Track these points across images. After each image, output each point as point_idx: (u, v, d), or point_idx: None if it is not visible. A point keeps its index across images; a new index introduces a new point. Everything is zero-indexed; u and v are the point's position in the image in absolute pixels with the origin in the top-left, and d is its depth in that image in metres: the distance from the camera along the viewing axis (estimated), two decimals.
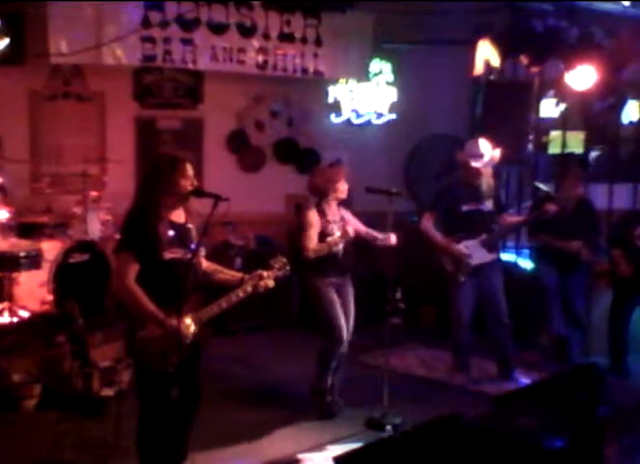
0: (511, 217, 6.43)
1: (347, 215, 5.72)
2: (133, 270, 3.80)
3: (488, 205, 6.10)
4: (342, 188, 5.57)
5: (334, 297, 5.50)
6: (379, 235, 5.59)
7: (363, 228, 5.73)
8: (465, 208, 6.03)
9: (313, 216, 5.51)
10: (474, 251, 6.02)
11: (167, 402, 3.80)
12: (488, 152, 6.05)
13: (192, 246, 3.93)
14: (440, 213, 6.14)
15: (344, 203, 5.74)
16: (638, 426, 5.11)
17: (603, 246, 6.87)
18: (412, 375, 6.54)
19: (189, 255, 3.88)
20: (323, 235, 5.45)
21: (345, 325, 5.53)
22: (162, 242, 3.83)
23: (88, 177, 6.81)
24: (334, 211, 5.61)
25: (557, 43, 7.12)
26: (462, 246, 6.01)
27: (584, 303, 6.99)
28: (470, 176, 6.07)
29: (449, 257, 6.06)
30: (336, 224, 5.55)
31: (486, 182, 6.08)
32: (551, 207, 6.09)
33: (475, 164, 6.00)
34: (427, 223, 6.13)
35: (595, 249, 6.86)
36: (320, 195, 5.58)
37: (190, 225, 4.02)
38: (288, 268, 4.24)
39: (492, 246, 6.14)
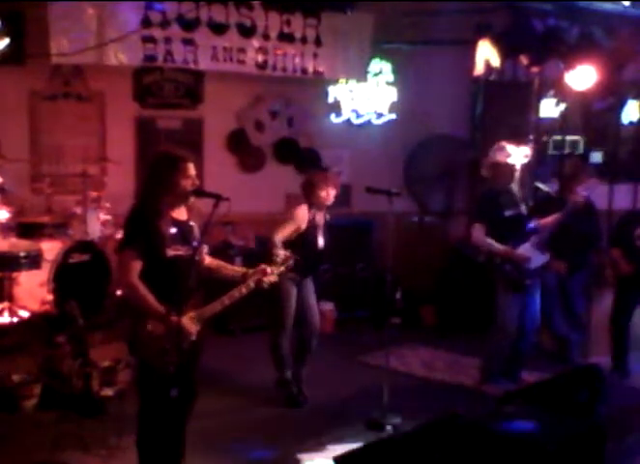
0: (544, 220, 6.04)
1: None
2: (137, 266, 3.80)
3: (523, 208, 5.97)
4: (323, 195, 5.57)
5: (292, 290, 5.63)
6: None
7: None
8: (508, 213, 5.87)
9: (303, 212, 5.55)
10: (531, 254, 5.89)
11: (167, 402, 3.79)
12: (516, 150, 5.86)
13: (195, 244, 3.93)
14: (487, 221, 5.92)
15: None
16: (638, 426, 5.10)
17: (603, 245, 6.87)
18: (412, 375, 6.54)
19: (191, 253, 3.88)
20: (301, 236, 5.49)
21: (307, 317, 5.67)
22: (165, 239, 3.83)
23: (88, 177, 6.81)
24: (321, 216, 5.67)
25: (557, 43, 7.10)
26: (521, 251, 5.86)
27: (584, 303, 6.99)
28: (505, 179, 5.88)
29: (509, 264, 5.86)
30: (320, 230, 5.62)
31: (517, 185, 5.95)
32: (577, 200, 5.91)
33: (510, 161, 5.79)
34: (480, 235, 5.91)
35: (595, 250, 6.88)
36: (305, 197, 5.61)
37: (193, 223, 4.02)
38: (292, 262, 4.22)
39: (543, 247, 5.98)
